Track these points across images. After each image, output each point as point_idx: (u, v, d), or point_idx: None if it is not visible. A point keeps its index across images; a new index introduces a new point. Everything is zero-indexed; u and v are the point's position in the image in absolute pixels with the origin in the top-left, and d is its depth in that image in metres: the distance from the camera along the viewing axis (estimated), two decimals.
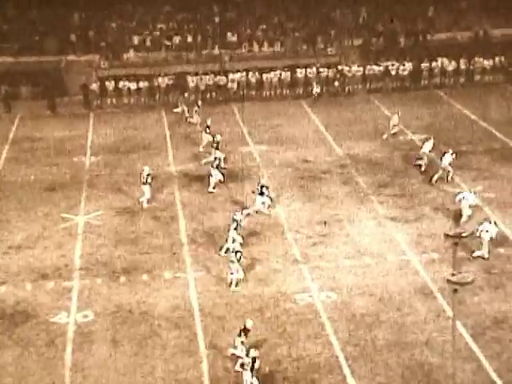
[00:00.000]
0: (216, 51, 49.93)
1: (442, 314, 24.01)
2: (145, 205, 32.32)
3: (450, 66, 48.54)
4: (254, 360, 20.70)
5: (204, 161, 36.36)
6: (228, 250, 27.16)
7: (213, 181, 33.48)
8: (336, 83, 47.50)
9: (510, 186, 32.92)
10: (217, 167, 33.67)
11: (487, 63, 48.78)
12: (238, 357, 21.76)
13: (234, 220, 27.92)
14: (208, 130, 37.88)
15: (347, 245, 28.68)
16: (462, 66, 48.78)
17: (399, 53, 49.72)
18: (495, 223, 27.10)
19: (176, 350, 22.94)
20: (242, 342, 21.80)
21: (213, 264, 27.56)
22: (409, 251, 28.00)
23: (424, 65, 48.60)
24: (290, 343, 23.07)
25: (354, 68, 48.39)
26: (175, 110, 43.91)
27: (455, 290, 17.64)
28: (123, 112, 45.60)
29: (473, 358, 22.03)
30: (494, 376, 21.33)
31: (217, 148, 35.18)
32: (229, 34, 50.77)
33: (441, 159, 33.65)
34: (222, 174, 33.81)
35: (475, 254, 27.03)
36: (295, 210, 31.56)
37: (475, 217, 28.57)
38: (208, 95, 47.23)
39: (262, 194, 31.26)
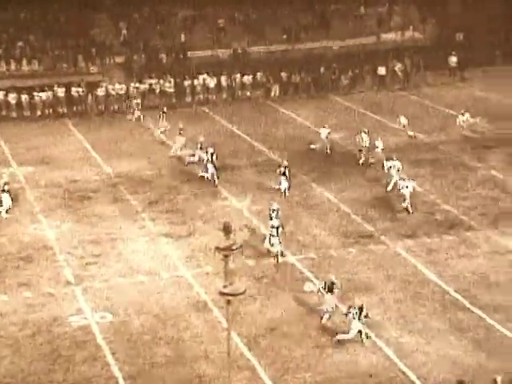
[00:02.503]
0: None
1: (217, 325, 24.34)
2: (4, 215, 31.45)
3: (212, 82, 49.70)
4: (361, 309, 22.89)
5: (188, 159, 37.80)
6: (271, 238, 28.20)
7: (212, 174, 35.00)
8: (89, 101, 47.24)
9: (275, 198, 34.05)
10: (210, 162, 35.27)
11: (247, 79, 50.43)
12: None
13: (273, 210, 28.85)
14: (181, 133, 38.76)
15: (120, 263, 28.40)
16: (224, 83, 50.10)
17: (162, 70, 50.16)
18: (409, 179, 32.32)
19: None
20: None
21: None
22: (182, 266, 28.19)
23: (187, 82, 49.39)
24: (65, 368, 22.40)
25: (118, 86, 48.24)
26: (129, 118, 43.44)
27: (228, 302, 17.95)
28: None
29: (248, 367, 22.48)
30: (268, 383, 21.90)
31: (201, 148, 36.68)
32: None
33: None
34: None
35: (404, 205, 31.85)
36: (65, 230, 30.84)
37: None
38: None
39: (284, 174, 33.24)
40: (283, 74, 50.70)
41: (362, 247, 29.52)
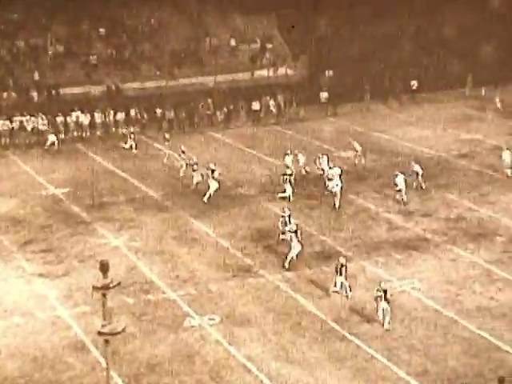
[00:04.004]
0: None
1: (97, 366, 23.81)
2: None
3: (86, 119, 49.12)
4: (385, 292, 25.80)
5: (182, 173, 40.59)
6: (292, 244, 30.30)
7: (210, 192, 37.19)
8: None
9: (153, 234, 33.89)
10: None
11: (120, 116, 50.11)
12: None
13: (287, 215, 31.78)
14: (183, 155, 40.98)
15: None
16: (98, 120, 49.61)
17: (33, 107, 49.18)
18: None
19: None
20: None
21: None
22: (59, 306, 27.52)
23: (59, 119, 48.61)
24: None
25: None
26: (124, 146, 43.56)
27: (107, 341, 17.64)
28: None
29: None
30: None
31: (194, 170, 38.89)
32: None
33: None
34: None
35: (337, 204, 36.07)
36: None
37: None
38: None
39: (289, 182, 37.51)
40: (158, 111, 50.71)
41: (241, 281, 29.62)
